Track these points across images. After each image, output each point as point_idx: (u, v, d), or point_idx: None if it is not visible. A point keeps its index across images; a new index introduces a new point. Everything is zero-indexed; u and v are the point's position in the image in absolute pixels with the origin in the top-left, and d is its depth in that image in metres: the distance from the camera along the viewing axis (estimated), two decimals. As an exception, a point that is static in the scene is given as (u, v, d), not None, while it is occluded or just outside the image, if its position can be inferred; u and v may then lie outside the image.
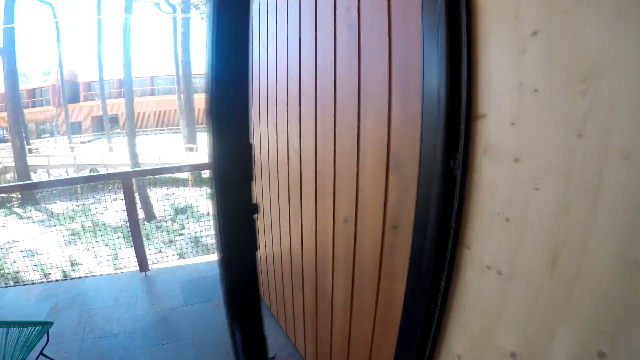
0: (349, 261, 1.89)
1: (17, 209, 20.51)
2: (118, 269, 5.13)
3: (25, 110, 40.17)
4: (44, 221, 18.42)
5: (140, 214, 17.82)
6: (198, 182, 21.19)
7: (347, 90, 1.71)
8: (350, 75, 1.67)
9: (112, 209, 17.27)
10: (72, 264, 12.97)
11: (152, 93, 43.90)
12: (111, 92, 39.26)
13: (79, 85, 44.16)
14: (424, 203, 1.18)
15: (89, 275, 5.20)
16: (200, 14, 30.30)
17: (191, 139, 26.99)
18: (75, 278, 5.29)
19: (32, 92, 45.32)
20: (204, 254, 5.79)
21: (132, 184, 4.46)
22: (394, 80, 1.41)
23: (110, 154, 28.72)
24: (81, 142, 39.12)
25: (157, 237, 14.31)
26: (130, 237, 4.63)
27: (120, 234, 12.19)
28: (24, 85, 45.46)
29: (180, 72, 27.06)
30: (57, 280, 5.13)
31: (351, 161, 1.74)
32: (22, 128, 26.14)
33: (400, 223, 1.46)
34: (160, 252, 13.34)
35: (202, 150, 26.53)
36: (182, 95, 27.14)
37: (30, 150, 33.13)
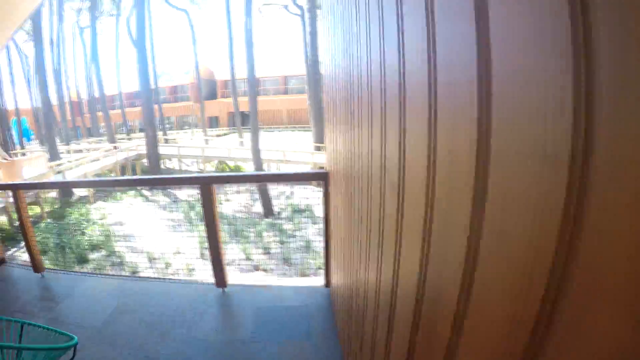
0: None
1: (145, 192, 22.23)
2: (197, 276, 4.48)
3: (168, 105, 46.82)
4: (166, 205, 19.57)
5: (259, 209, 18.06)
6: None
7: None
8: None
9: (233, 201, 17.79)
10: (156, 259, 13.45)
11: (285, 92, 45.98)
12: (244, 90, 41.08)
13: (216, 83, 47.64)
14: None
15: (166, 278, 5.16)
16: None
17: (320, 138, 27.48)
18: (154, 279, 5.11)
19: (174, 89, 51.52)
20: (298, 274, 5.05)
21: (212, 191, 3.94)
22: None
23: (237, 149, 30.15)
24: (217, 135, 42.46)
25: (267, 236, 13.98)
26: (208, 251, 4.15)
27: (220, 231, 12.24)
28: (167, 83, 51.97)
29: (311, 71, 27.85)
30: (133, 277, 5.08)
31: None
32: (154, 120, 29.56)
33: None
34: (267, 252, 13.45)
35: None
36: (312, 94, 27.89)
37: (167, 141, 37.72)
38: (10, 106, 42.50)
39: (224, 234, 4.34)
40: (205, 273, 4.53)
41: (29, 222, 4.93)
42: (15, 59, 43.69)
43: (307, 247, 11.69)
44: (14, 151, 37.15)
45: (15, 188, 4.87)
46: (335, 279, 3.62)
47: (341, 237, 2.92)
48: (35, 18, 27.80)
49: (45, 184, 8.26)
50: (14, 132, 41.20)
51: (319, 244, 10.60)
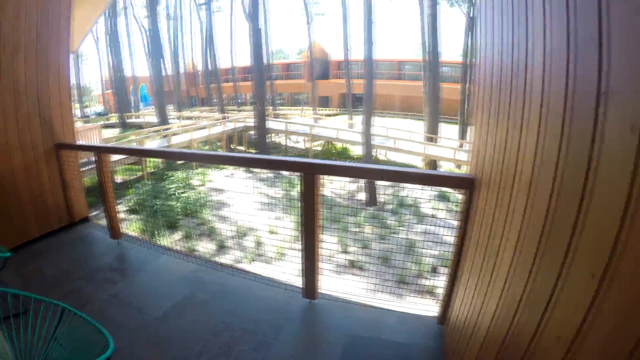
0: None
1: None
2: (283, 277, 4.12)
3: (280, 82, 48.86)
4: (265, 180, 19.66)
5: (362, 196, 17.28)
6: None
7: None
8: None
9: (335, 182, 17.13)
10: (244, 237, 13.09)
11: (400, 78, 44.88)
12: (358, 72, 40.54)
13: (329, 63, 47.69)
14: None
15: (248, 272, 4.40)
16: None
17: (433, 128, 26.61)
18: (234, 269, 4.43)
19: (288, 66, 53.30)
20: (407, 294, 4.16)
21: (316, 181, 3.17)
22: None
23: (346, 131, 29.60)
24: (326, 115, 42.76)
25: (367, 229, 13.09)
26: (301, 252, 3.42)
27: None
28: (282, 60, 54.14)
29: (428, 58, 26.91)
30: (213, 264, 4.53)
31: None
32: (265, 95, 31.30)
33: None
34: (365, 247, 12.59)
35: (443, 142, 25.39)
36: (428, 82, 26.86)
37: (276, 116, 39.17)
38: (130, 74, 49.89)
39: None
40: (292, 273, 3.79)
41: (110, 186, 4.88)
42: (137, 33, 48.62)
43: (410, 249, 10.71)
44: (130, 113, 43.99)
45: (98, 151, 4.79)
46: (458, 318, 2.68)
47: (487, 265, 2.06)
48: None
49: (131, 150, 8.27)
50: (132, 98, 50.53)
51: (425, 250, 9.57)
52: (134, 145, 21.44)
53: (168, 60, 47.40)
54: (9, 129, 4.64)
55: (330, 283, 3.77)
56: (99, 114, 49.74)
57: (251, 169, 21.43)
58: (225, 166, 22.40)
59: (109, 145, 13.39)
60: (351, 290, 3.75)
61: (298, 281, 3.64)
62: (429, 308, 3.40)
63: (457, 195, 17.81)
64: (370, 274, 9.80)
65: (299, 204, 3.25)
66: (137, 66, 54.59)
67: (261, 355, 2.93)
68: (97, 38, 50.96)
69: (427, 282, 9.54)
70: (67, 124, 5.42)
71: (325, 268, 3.58)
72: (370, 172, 3.22)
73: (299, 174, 3.14)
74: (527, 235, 1.51)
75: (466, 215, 2.73)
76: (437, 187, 18.21)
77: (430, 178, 3.09)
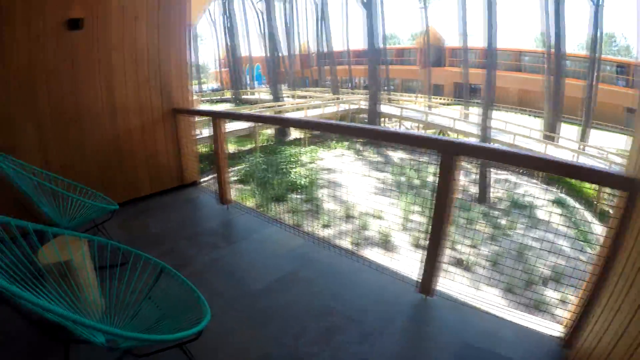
0: None
1: (359, 146, 22.72)
2: (397, 266, 3.70)
3: (393, 67, 47.70)
4: (376, 164, 19.45)
5: (474, 190, 16.37)
6: (550, 178, 18.61)
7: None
8: None
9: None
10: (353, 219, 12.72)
11: (517, 69, 41.64)
12: (475, 61, 38.43)
13: (444, 50, 46.05)
14: None
15: (359, 256, 3.93)
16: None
17: (552, 127, 24.67)
18: (343, 250, 4.02)
19: (401, 52, 52.02)
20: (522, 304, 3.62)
21: (455, 164, 2.70)
22: None
23: (462, 122, 28.46)
24: (440, 104, 40.94)
25: (478, 229, 12.28)
26: (427, 244, 2.99)
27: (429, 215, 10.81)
28: (394, 45, 53.38)
29: (551, 50, 25.17)
30: (322, 241, 4.19)
31: None
32: (379, 80, 31.51)
33: None
34: (473, 246, 11.79)
35: (563, 143, 23.36)
36: (550, 77, 25.01)
37: (389, 100, 38.70)
38: (244, 54, 53.54)
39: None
40: (406, 263, 3.37)
41: (224, 150, 4.95)
42: (251, 15, 50.41)
43: (522, 255, 9.85)
44: (244, 90, 47.36)
45: (216, 115, 4.88)
46: (596, 348, 2.13)
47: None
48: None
49: (248, 116, 8.50)
50: (246, 76, 54.11)
51: (539, 259, 8.65)
52: (251, 111, 22.02)
53: (282, 41, 48.86)
54: (129, 92, 4.92)
55: (445, 280, 3.31)
56: (215, 90, 54.47)
57: (361, 151, 21.28)
58: (335, 146, 22.55)
59: (226, 110, 13.74)
60: (465, 291, 3.25)
61: (414, 273, 3.25)
62: (550, 325, 2.82)
63: (574, 203, 16.41)
64: (478, 276, 9.15)
65: (432, 187, 2.83)
66: (252, 46, 56.76)
67: (364, 348, 2.61)
68: (214, 20, 54.97)
69: (542, 294, 8.65)
70: (185, 90, 5.59)
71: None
72: (519, 159, 2.65)
73: (422, 159, 2.69)
74: None
75: (620, 223, 2.13)
76: (557, 192, 17.10)
77: (580, 171, 2.47)
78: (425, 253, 2.99)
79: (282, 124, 13.69)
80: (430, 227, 2.89)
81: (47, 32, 4.10)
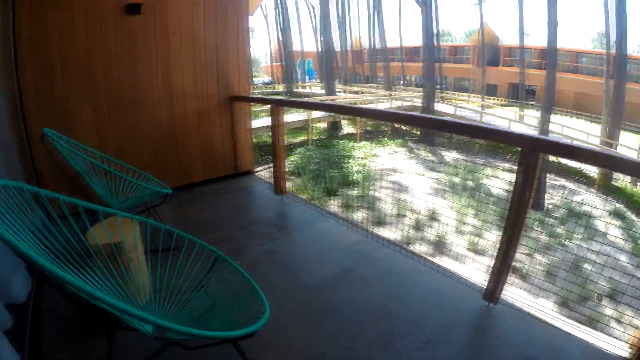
0: None
1: (411, 144, 22.42)
2: (462, 271, 3.49)
3: (446, 65, 46.81)
4: (429, 163, 19.11)
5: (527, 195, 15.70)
6: (606, 188, 17.67)
7: None
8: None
9: (502, 179, 15.73)
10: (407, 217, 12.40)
11: (575, 71, 39.61)
12: (531, 61, 37.03)
13: (500, 49, 44.62)
14: None
15: (420, 257, 3.72)
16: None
17: (611, 133, 23.06)
18: (402, 249, 3.83)
19: (455, 50, 50.98)
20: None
21: (537, 162, 2.48)
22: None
23: (518, 124, 27.78)
24: (495, 104, 39.54)
25: (533, 237, 11.78)
26: (500, 248, 2.78)
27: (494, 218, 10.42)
28: (447, 43, 52.55)
29: (611, 52, 23.43)
30: (379, 238, 3.99)
31: None
32: (434, 78, 30.65)
33: None
34: (527, 254, 11.27)
35: (624, 151, 22.01)
36: (610, 80, 23.46)
37: (442, 99, 37.51)
38: (296, 49, 54.18)
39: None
40: (470, 267, 3.12)
41: (282, 139, 4.89)
42: (304, 10, 50.07)
43: (578, 267, 9.33)
44: (296, 84, 48.26)
45: (276, 104, 4.79)
46: None
47: None
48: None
49: (311, 104, 8.57)
50: (299, 70, 55.55)
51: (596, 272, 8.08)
52: (315, 100, 21.85)
53: (335, 37, 48.59)
54: (185, 78, 4.95)
55: (510, 287, 3.04)
56: (266, 83, 55.13)
57: (415, 150, 20.98)
58: (389, 144, 22.29)
59: (288, 99, 13.71)
60: (529, 300, 2.98)
61: (479, 278, 3.07)
62: (615, 343, 2.56)
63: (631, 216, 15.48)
64: (536, 286, 8.71)
65: (512, 187, 2.62)
66: (304, 41, 57.35)
67: (425, 355, 2.44)
68: (267, 15, 56.26)
69: (602, 310, 8.16)
70: (243, 78, 5.58)
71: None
72: (614, 162, 2.31)
73: (481, 160, 2.44)
74: None
75: None
76: (614, 202, 16.16)
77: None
78: (495, 257, 2.80)
79: (351, 113, 13.46)
80: (506, 230, 2.68)
81: (107, 16, 4.18)
